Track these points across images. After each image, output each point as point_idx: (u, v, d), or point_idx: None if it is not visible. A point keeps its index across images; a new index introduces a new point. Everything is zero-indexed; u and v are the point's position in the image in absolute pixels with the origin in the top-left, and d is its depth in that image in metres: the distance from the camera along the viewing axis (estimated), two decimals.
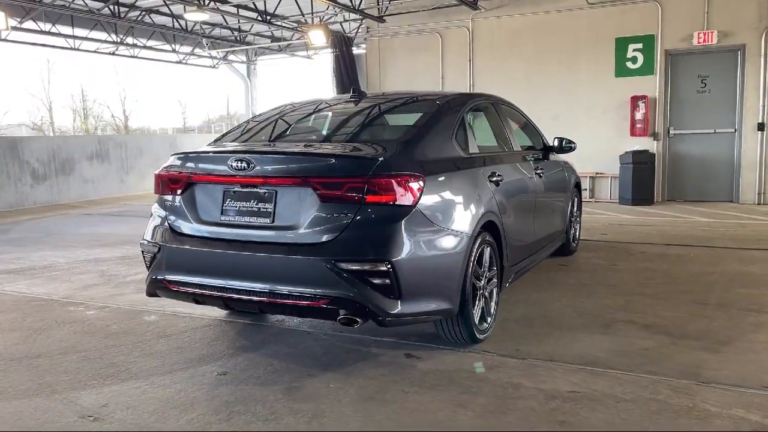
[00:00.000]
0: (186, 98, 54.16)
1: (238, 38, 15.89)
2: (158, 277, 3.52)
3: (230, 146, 3.85)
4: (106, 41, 14.61)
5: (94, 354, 3.71)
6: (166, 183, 3.61)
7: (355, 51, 13.91)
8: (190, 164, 3.57)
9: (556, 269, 5.70)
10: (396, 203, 3.09)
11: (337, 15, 13.06)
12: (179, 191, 3.53)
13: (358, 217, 3.08)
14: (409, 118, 3.91)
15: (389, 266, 3.01)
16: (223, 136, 4.17)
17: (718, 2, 9.94)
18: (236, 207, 3.35)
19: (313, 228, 3.13)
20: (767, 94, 9.85)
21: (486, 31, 11.61)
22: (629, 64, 10.69)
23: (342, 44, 12.69)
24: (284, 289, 3.14)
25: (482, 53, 11.68)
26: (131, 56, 16.15)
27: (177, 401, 3.03)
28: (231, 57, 18.46)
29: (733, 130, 10.23)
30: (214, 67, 18.37)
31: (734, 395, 2.95)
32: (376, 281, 3.03)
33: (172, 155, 3.73)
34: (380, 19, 11.76)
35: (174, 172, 3.59)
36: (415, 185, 3.17)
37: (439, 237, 3.28)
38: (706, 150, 10.48)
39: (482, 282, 3.68)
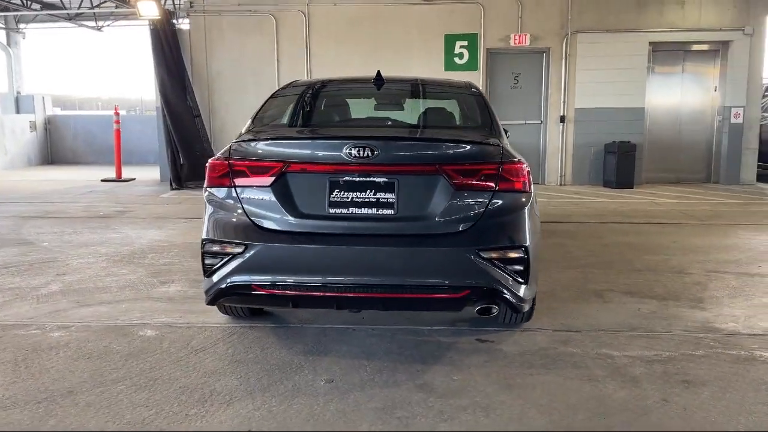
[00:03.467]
0: None
1: (23, 3, 13.38)
2: (240, 281, 3.06)
3: (331, 131, 3.47)
4: None
5: (141, 380, 3.10)
6: (243, 173, 3.13)
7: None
8: (282, 151, 3.15)
9: None
10: (522, 189, 3.16)
11: None
12: (268, 182, 3.08)
13: (493, 204, 3.08)
14: (464, 105, 3.94)
15: (524, 252, 3.08)
16: (253, 122, 3.70)
17: (529, 9, 11.33)
18: (348, 198, 3.07)
19: (447, 217, 3.04)
20: (567, 91, 11.55)
21: (323, 17, 11.59)
22: (457, 60, 11.63)
23: (163, 18, 11.53)
24: (416, 281, 3.01)
25: (319, 40, 11.63)
26: None
27: (325, 417, 2.74)
28: None
29: (540, 122, 11.82)
30: None
31: (765, 340, 3.64)
32: (511, 267, 3.08)
33: (236, 141, 3.24)
34: None
35: (256, 160, 3.13)
36: (528, 171, 3.26)
37: (537, 221, 3.42)
38: (518, 139, 11.88)
39: None
